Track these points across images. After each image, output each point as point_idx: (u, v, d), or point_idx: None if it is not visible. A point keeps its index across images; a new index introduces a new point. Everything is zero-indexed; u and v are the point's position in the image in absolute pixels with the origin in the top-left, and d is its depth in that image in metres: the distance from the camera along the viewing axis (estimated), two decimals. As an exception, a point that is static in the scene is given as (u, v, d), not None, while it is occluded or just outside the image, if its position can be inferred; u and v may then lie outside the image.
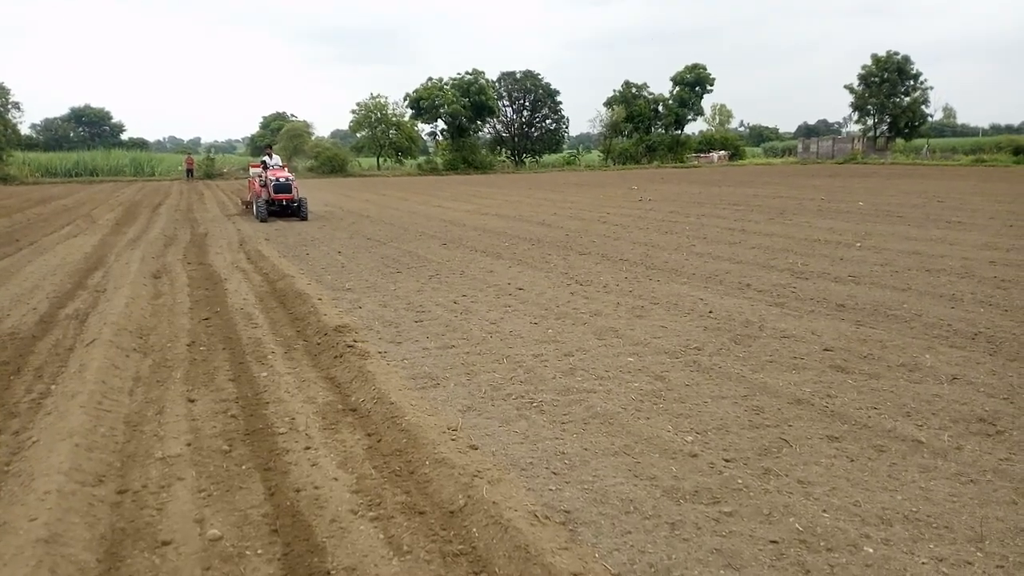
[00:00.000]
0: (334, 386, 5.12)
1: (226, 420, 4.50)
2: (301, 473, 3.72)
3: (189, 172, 44.97)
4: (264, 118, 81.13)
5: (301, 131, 61.51)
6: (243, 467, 3.84)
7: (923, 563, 2.87)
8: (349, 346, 5.77)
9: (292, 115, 77.11)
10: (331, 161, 50.62)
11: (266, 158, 18.80)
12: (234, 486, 3.62)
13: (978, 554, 2.93)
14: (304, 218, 17.43)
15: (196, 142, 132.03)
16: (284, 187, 17.62)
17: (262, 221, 16.94)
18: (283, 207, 17.68)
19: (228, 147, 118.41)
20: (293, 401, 4.79)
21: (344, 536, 3.12)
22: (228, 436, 4.25)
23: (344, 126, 70.22)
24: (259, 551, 3.06)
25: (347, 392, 4.95)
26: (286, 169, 18.86)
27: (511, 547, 2.90)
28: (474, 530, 3.10)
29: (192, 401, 4.83)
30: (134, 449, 4.04)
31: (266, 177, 18.01)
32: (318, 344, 6.12)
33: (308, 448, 4.03)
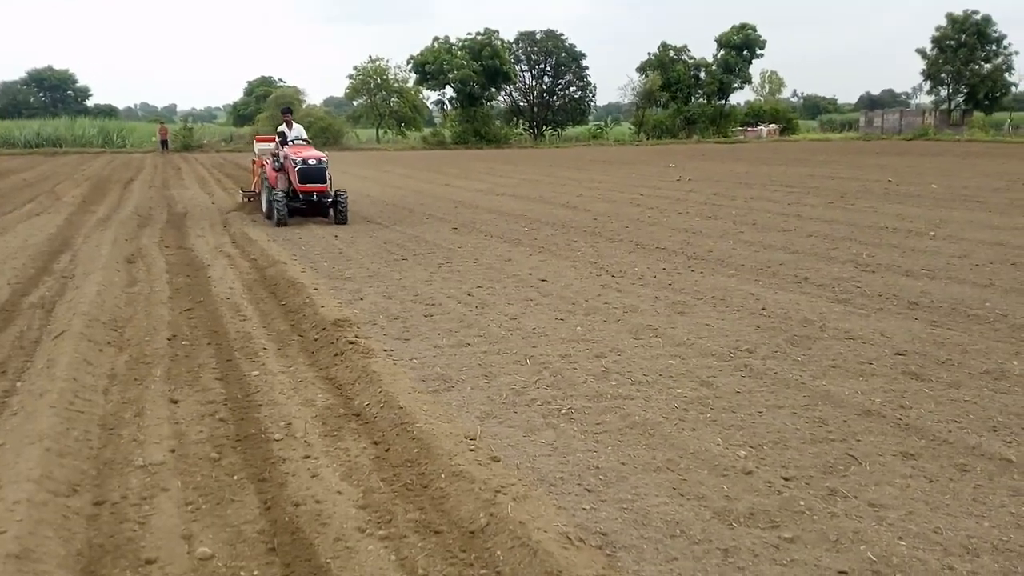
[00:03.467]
0: (335, 387, 5.15)
1: (214, 424, 4.55)
2: (300, 485, 3.75)
3: (164, 143, 45.16)
4: (249, 83, 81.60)
5: (291, 98, 61.71)
6: (235, 477, 3.88)
7: (1016, 600, 2.85)
8: (350, 343, 5.80)
9: (280, 80, 77.70)
10: (324, 132, 50.66)
11: (284, 128, 14.19)
12: (225, 498, 3.66)
13: (1080, 591, 2.90)
14: (342, 220, 13.22)
15: (171, 110, 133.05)
16: (314, 174, 13.03)
17: (279, 224, 12.76)
18: (312, 204, 13.30)
19: (207, 115, 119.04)
20: (289, 404, 4.82)
21: (350, 557, 3.14)
22: (217, 442, 4.29)
23: (339, 93, 70.49)
24: (255, 572, 3.09)
25: (349, 395, 4.98)
26: (309, 144, 14.31)
27: (541, 573, 2.91)
28: (498, 552, 3.11)
29: (175, 402, 4.88)
30: (111, 455, 4.08)
31: (284, 157, 13.34)
32: (315, 340, 6.16)
33: (307, 457, 4.06)
